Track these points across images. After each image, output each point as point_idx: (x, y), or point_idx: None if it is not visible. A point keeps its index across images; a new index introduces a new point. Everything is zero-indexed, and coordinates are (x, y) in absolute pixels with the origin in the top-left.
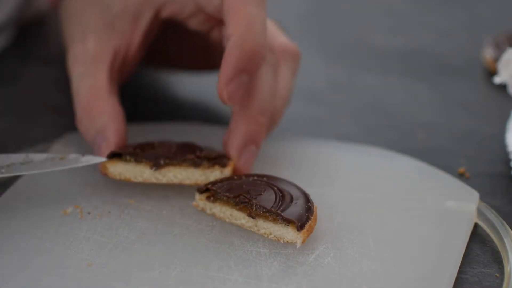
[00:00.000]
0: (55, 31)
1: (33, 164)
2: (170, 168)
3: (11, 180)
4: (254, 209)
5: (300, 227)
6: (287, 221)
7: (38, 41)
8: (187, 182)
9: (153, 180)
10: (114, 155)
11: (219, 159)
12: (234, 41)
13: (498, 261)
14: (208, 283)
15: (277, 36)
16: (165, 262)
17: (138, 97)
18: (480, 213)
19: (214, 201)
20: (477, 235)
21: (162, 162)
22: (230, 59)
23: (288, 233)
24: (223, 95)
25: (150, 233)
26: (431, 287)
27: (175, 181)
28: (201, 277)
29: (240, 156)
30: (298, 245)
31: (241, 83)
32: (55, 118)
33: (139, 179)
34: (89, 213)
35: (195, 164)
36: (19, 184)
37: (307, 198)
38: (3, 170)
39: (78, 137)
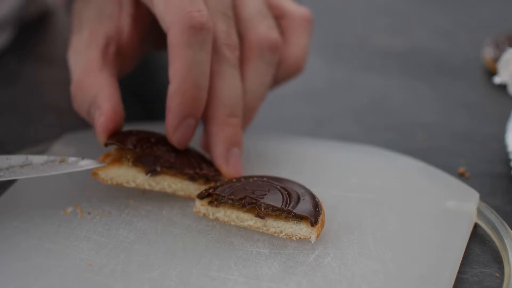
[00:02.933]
0: (56, 31)
1: (32, 167)
2: (165, 176)
3: (11, 180)
4: (263, 209)
5: (314, 222)
6: (300, 218)
7: (38, 41)
8: (180, 193)
9: (146, 187)
10: (114, 141)
11: (216, 177)
12: (174, 87)
13: (498, 261)
14: (208, 283)
15: (283, 3)
16: (165, 262)
17: (139, 96)
18: (480, 213)
19: (217, 206)
20: (477, 235)
21: (158, 169)
22: (172, 107)
23: (301, 229)
24: (173, 142)
25: (150, 233)
26: (431, 287)
27: (169, 190)
28: (201, 277)
29: (227, 163)
30: (313, 240)
31: (188, 127)
32: (55, 118)
33: (132, 184)
34: (89, 213)
35: (192, 179)
36: (19, 184)
37: (312, 194)
38: (1, 174)
39: (78, 137)
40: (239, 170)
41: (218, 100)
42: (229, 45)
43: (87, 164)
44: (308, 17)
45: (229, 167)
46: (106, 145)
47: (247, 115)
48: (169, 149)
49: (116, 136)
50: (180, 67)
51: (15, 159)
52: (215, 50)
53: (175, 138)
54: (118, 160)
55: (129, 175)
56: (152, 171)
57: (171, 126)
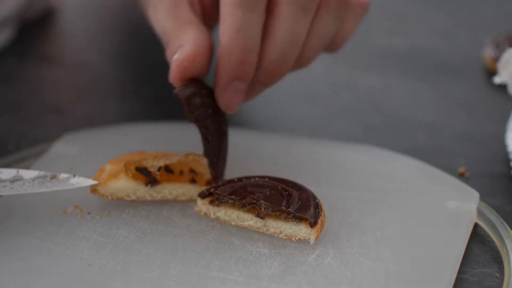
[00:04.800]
0: (57, 31)
1: (23, 183)
2: (165, 185)
3: None
4: (263, 210)
5: (313, 223)
6: (300, 219)
7: (38, 41)
8: (182, 198)
9: (147, 198)
10: (182, 94)
11: (218, 179)
12: (222, 48)
13: (498, 261)
14: (208, 283)
15: None
16: (165, 262)
17: (141, 96)
18: (480, 213)
19: (218, 205)
20: (477, 235)
21: (158, 177)
22: (219, 68)
23: (301, 230)
24: (220, 105)
25: (150, 233)
26: (431, 287)
27: (170, 197)
28: (201, 277)
29: (223, 93)
30: (312, 241)
31: (236, 91)
32: (55, 118)
33: (133, 197)
34: (89, 213)
35: (192, 181)
36: None
37: (313, 195)
38: None
39: (78, 137)
40: (232, 106)
41: (273, 40)
42: None
43: (78, 182)
44: (366, 3)
45: (223, 98)
46: (176, 93)
47: (300, 63)
48: (213, 120)
49: (189, 86)
50: (229, 27)
51: (6, 173)
52: None
53: (221, 101)
54: (114, 175)
55: (129, 188)
56: (152, 182)
57: (218, 88)
